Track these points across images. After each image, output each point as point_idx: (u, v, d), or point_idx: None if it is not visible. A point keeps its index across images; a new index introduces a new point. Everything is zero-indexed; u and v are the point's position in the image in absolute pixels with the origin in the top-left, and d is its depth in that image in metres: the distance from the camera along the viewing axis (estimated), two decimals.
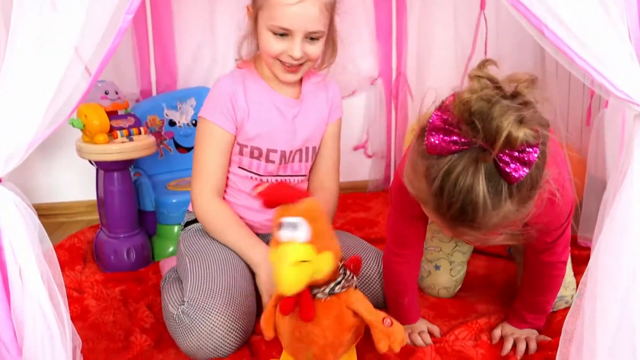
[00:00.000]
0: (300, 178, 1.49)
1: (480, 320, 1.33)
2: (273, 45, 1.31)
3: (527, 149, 0.78)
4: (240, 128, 1.40)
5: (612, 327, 0.83)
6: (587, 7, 0.73)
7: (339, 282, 1.03)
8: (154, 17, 2.11)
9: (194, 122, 2.05)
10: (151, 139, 1.71)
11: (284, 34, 1.29)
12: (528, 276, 1.24)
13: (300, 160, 1.47)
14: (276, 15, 1.26)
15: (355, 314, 1.05)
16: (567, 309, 0.89)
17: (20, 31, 0.82)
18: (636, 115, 0.76)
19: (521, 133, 0.75)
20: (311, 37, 1.31)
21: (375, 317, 1.04)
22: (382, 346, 1.01)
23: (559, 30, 0.73)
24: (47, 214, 2.11)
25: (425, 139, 0.83)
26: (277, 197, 0.96)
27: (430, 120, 0.83)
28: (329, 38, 1.38)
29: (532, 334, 1.26)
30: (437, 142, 0.81)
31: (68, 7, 0.82)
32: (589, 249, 0.84)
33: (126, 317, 1.43)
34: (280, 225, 0.94)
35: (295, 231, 0.93)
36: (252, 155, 1.42)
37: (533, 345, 1.23)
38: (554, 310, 1.33)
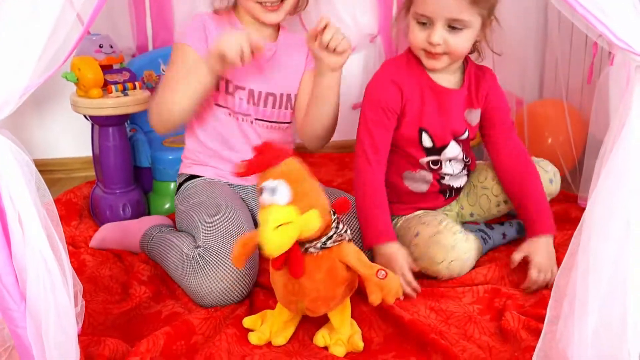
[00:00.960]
0: (275, 124, 1.51)
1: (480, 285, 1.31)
2: None
3: None
4: None
5: (604, 282, 0.83)
6: None
7: (331, 237, 1.04)
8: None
9: None
10: (146, 94, 1.69)
11: None
12: (512, 174, 1.40)
13: (274, 107, 1.49)
14: None
15: (348, 267, 1.06)
16: None
17: None
18: (637, 66, 0.75)
19: None
20: None
21: (368, 269, 1.05)
22: (374, 298, 1.02)
23: None
24: (44, 170, 2.04)
25: None
26: (258, 165, 0.97)
27: None
28: None
29: (554, 266, 1.28)
30: None
31: None
32: None
33: (122, 271, 1.44)
34: (260, 190, 0.95)
35: (275, 194, 0.94)
36: (226, 91, 1.45)
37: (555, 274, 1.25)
38: None
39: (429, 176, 1.40)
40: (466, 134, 1.40)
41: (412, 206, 1.44)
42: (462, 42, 1.26)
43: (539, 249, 1.29)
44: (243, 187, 1.52)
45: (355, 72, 2.30)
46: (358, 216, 1.34)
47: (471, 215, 1.50)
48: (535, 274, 1.27)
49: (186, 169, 1.55)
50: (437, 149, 1.37)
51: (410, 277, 1.26)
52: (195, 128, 1.52)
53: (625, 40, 0.73)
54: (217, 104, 1.47)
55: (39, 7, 0.80)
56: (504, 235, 1.49)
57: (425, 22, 1.25)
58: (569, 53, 2.00)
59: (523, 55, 2.07)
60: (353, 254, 1.06)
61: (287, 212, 0.94)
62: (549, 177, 1.43)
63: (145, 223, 1.55)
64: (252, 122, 1.49)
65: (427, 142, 1.36)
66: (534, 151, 1.85)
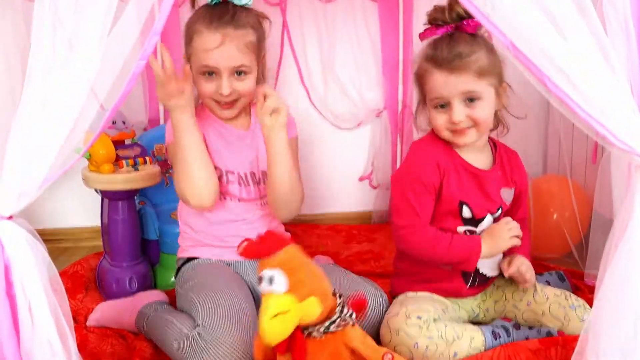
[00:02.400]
0: (261, 201, 1.55)
1: None
2: (205, 86, 1.43)
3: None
4: None
5: None
6: (590, 61, 0.74)
7: (334, 321, 1.04)
8: (164, 45, 2.13)
9: None
10: (156, 169, 1.72)
11: (211, 72, 1.41)
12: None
13: (255, 184, 1.53)
14: (201, 58, 1.40)
15: (354, 351, 1.05)
16: None
17: (37, 70, 0.83)
18: (637, 166, 0.76)
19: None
20: (238, 72, 1.42)
21: (374, 353, 1.05)
22: None
23: (562, 82, 0.74)
24: (52, 239, 2.11)
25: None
26: (258, 251, 1.01)
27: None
28: (259, 75, 1.48)
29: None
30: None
31: (85, 48, 0.84)
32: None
33: (124, 348, 1.42)
34: (260, 279, 0.98)
35: (273, 284, 0.96)
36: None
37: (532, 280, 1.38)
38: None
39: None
40: (499, 212, 1.42)
41: (431, 285, 1.41)
42: (482, 112, 1.31)
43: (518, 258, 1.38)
44: (240, 263, 1.53)
45: (361, 146, 2.35)
46: (447, 263, 1.37)
47: (492, 320, 1.44)
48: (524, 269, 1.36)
49: (183, 253, 1.56)
50: (475, 221, 1.39)
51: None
52: (185, 216, 1.56)
53: (626, 142, 0.75)
54: None
55: (63, 100, 0.83)
56: (526, 338, 1.35)
57: (444, 105, 1.32)
58: (572, 129, 2.03)
59: (526, 131, 2.11)
60: (358, 338, 1.06)
61: (285, 301, 0.96)
62: (584, 327, 1.34)
63: (139, 301, 1.54)
64: (239, 200, 1.52)
65: (467, 213, 1.38)
66: (540, 227, 1.87)
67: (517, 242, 1.36)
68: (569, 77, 0.74)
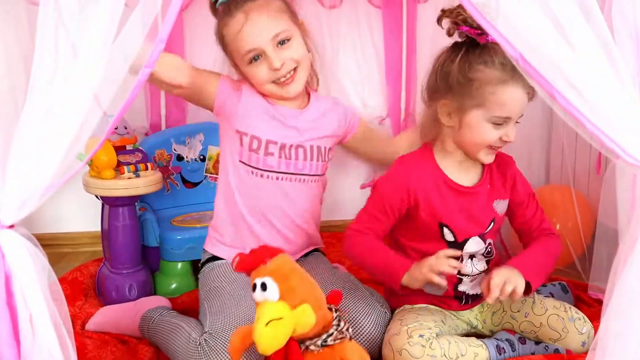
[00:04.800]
0: (307, 177, 1.48)
1: None
2: (257, 73, 1.38)
3: None
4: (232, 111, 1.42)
5: None
6: (599, 72, 0.73)
7: (331, 334, 1.05)
8: (166, 52, 2.12)
9: (201, 157, 2.06)
10: (158, 175, 1.71)
11: (257, 57, 1.36)
12: (530, 244, 1.39)
13: (305, 159, 1.46)
14: (239, 45, 1.36)
15: None
16: None
17: (40, 77, 0.83)
18: None
19: None
20: (281, 42, 1.36)
21: None
22: None
23: (571, 95, 0.73)
24: (51, 244, 2.09)
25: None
26: (250, 262, 1.02)
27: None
28: (306, 41, 1.43)
29: (518, 276, 1.24)
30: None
31: (89, 54, 0.83)
32: (599, 302, 0.83)
33: (125, 354, 1.41)
34: (254, 287, 0.99)
35: (266, 291, 0.97)
36: (250, 148, 1.42)
37: (520, 289, 1.22)
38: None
39: (445, 282, 1.30)
40: (490, 227, 1.38)
41: (427, 298, 1.39)
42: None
43: (501, 269, 1.26)
44: None
45: None
46: (371, 274, 1.37)
47: (491, 331, 1.43)
48: (496, 279, 1.23)
49: (211, 247, 1.52)
50: (458, 244, 1.35)
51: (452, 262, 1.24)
52: (221, 192, 1.50)
53: (634, 155, 0.74)
54: (241, 162, 1.44)
55: (66, 108, 0.82)
56: (532, 353, 1.34)
57: (501, 123, 1.27)
58: (575, 139, 2.02)
59: (529, 141, 2.11)
60: (356, 353, 1.06)
61: (278, 308, 0.97)
62: (582, 340, 1.32)
63: (143, 305, 1.53)
64: (277, 179, 1.45)
65: (448, 236, 1.34)
66: None
67: (430, 279, 1.23)
68: (579, 90, 0.74)
